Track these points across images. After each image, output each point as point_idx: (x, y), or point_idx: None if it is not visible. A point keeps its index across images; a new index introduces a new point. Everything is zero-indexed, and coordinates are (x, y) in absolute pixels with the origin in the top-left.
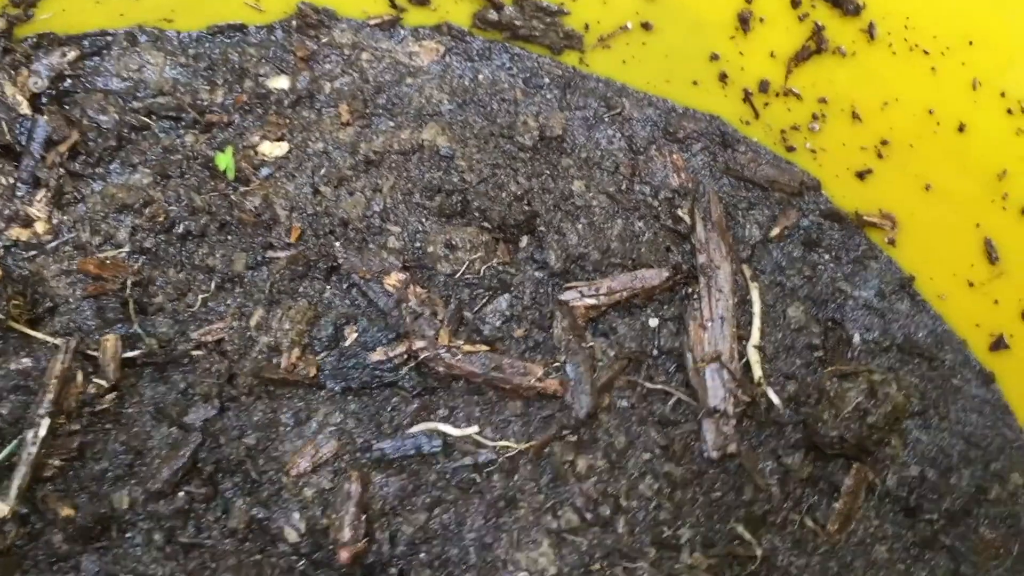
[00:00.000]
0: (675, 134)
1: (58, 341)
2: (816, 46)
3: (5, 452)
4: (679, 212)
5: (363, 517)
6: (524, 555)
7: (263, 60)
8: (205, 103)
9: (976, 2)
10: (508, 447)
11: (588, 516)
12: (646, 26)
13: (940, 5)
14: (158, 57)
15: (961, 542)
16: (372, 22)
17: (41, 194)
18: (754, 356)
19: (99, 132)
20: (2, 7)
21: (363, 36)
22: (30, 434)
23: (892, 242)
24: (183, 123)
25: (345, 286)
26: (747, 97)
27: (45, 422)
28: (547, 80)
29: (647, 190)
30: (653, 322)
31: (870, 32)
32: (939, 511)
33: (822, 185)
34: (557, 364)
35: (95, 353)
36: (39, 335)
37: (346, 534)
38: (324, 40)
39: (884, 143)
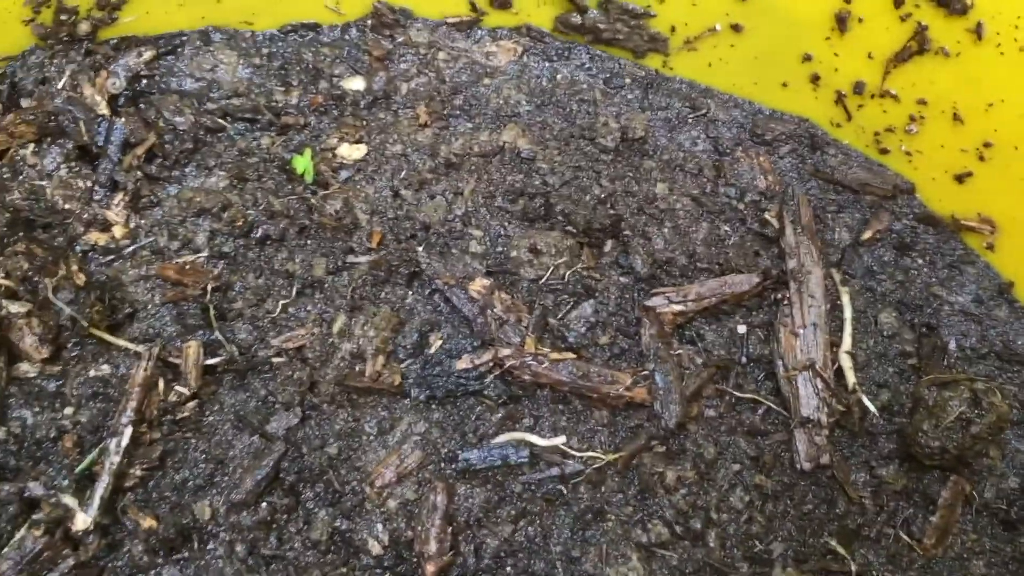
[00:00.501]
0: (762, 136)
1: (140, 348)
2: (918, 46)
3: (87, 461)
4: (767, 215)
5: (448, 529)
6: (613, 570)
7: (338, 60)
8: (280, 104)
9: None
10: (595, 458)
11: (678, 529)
12: (736, 27)
13: None
14: (231, 56)
15: None
16: (450, 21)
17: (119, 197)
18: (847, 363)
19: (175, 134)
20: (87, 10)
21: (439, 35)
22: (112, 443)
23: (991, 247)
24: (259, 125)
25: (428, 292)
26: (840, 99)
27: (128, 431)
28: (628, 80)
29: (733, 192)
30: (742, 329)
31: (978, 32)
32: None
33: (916, 188)
34: (645, 372)
35: (176, 360)
36: (119, 341)
37: (431, 547)
38: (400, 39)
39: (987, 145)
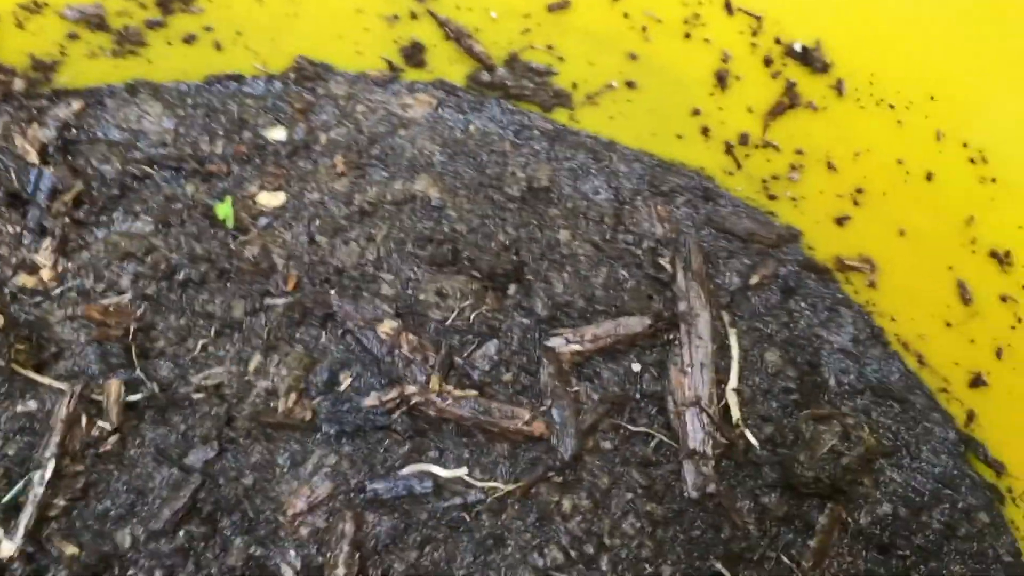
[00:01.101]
0: (660, 187)
1: (63, 385)
2: (790, 101)
3: (12, 493)
4: (661, 261)
5: (357, 555)
6: None
7: (261, 111)
8: (205, 153)
9: (935, 60)
10: (496, 488)
11: (573, 554)
12: (631, 84)
13: (902, 63)
14: (157, 107)
15: None
16: (369, 74)
17: (47, 242)
18: (732, 399)
19: (102, 181)
20: (23, 70)
21: (358, 88)
22: (36, 475)
23: (873, 284)
24: (183, 172)
25: (340, 332)
26: (729, 149)
27: (51, 464)
28: (536, 133)
29: (631, 239)
30: (636, 367)
31: (839, 88)
32: (911, 548)
33: (802, 234)
34: (544, 408)
35: (99, 397)
36: (44, 380)
37: (341, 571)
38: (320, 92)
39: (859, 191)
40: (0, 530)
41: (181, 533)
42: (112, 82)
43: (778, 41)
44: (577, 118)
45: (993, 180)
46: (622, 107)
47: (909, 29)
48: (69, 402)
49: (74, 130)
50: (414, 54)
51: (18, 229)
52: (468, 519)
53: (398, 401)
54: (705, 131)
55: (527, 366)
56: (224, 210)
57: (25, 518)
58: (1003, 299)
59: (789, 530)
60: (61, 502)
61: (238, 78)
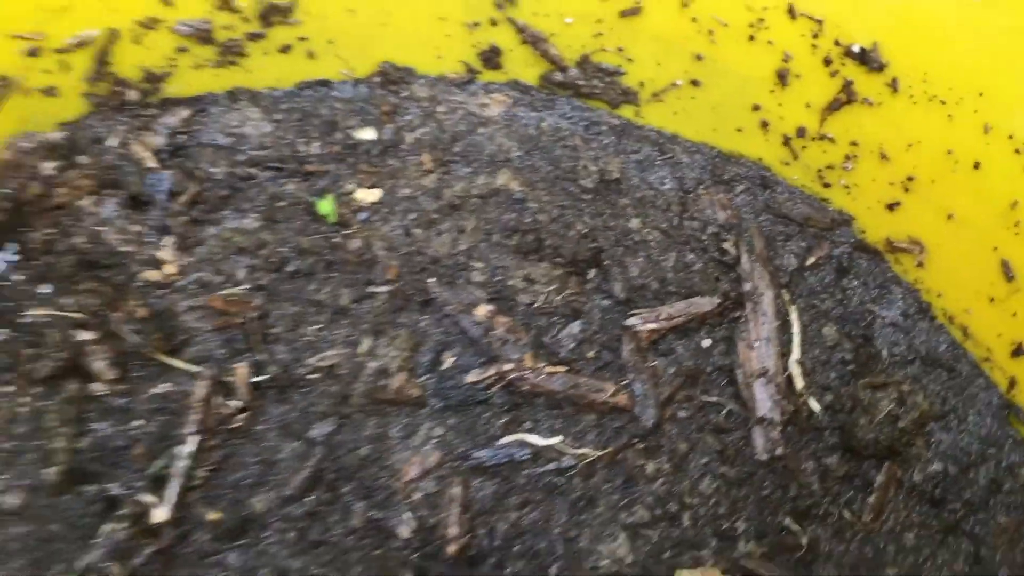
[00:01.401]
0: (720, 176)
1: (198, 368)
2: (847, 98)
3: (158, 466)
4: (725, 245)
5: (465, 516)
6: (604, 546)
7: (350, 113)
8: (302, 154)
9: (984, 58)
10: (586, 454)
11: (657, 512)
12: (695, 83)
13: (953, 62)
14: (255, 113)
15: (980, 528)
16: (448, 77)
17: (168, 240)
18: (795, 370)
19: (213, 182)
20: (136, 82)
21: (438, 90)
22: (180, 450)
23: (921, 264)
24: (284, 172)
25: (439, 317)
26: (786, 142)
27: (194, 439)
28: (605, 128)
29: (696, 225)
30: (706, 343)
31: (893, 85)
32: (960, 501)
33: (855, 218)
34: (625, 382)
35: (227, 379)
36: (180, 364)
37: (453, 531)
38: (404, 94)
39: (910, 179)
40: (153, 499)
41: (308, 499)
42: (214, 90)
43: (837, 43)
44: (642, 114)
45: None
46: (686, 104)
47: (960, 31)
48: (204, 384)
49: (183, 136)
50: (491, 57)
51: (142, 228)
52: (562, 483)
53: (496, 378)
54: (764, 125)
55: (608, 344)
56: (326, 207)
57: (173, 488)
58: None
59: (849, 488)
60: (202, 473)
61: (327, 83)
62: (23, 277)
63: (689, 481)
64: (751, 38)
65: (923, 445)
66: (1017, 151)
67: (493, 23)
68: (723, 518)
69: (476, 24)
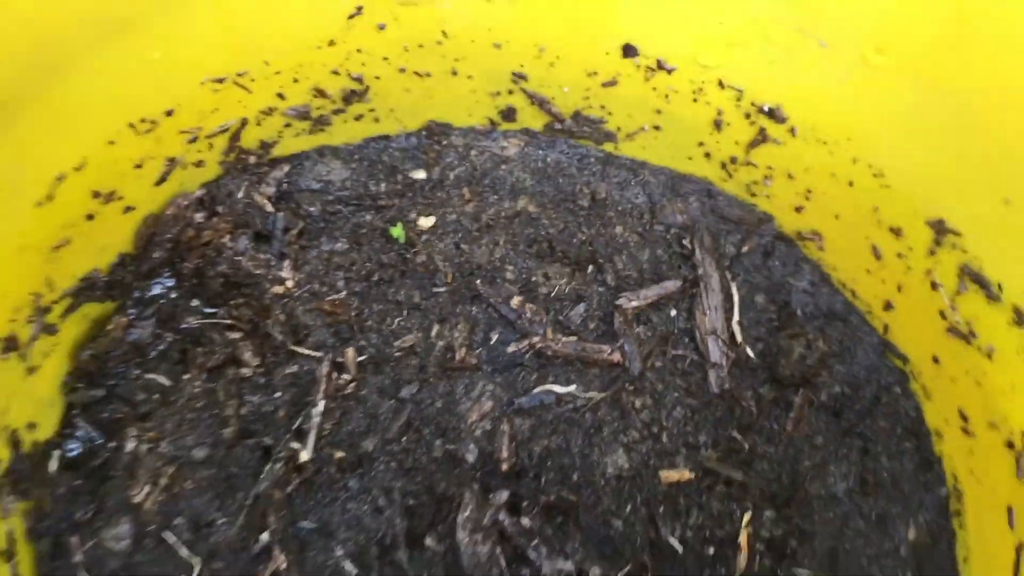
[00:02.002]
0: (678, 191)
1: (319, 354)
2: (762, 138)
3: (299, 422)
4: (684, 242)
5: (512, 444)
6: (609, 459)
7: (405, 159)
8: (374, 192)
9: (851, 114)
10: (592, 396)
11: (644, 433)
12: (657, 127)
13: (830, 117)
14: (336, 164)
15: (867, 430)
16: (476, 128)
17: (286, 263)
18: (736, 329)
19: (312, 218)
20: (254, 149)
21: (470, 138)
22: (312, 410)
23: (822, 248)
24: (362, 207)
25: (484, 307)
26: (724, 166)
27: (321, 403)
28: (593, 160)
29: (662, 228)
30: (673, 313)
31: (792, 132)
32: (853, 412)
33: (774, 217)
34: (618, 344)
35: (340, 360)
36: (305, 351)
37: (504, 454)
38: (444, 143)
39: (809, 192)
40: (299, 445)
41: (402, 440)
42: (306, 149)
43: (753, 104)
44: (620, 149)
45: (887, 186)
46: (651, 141)
47: (835, 97)
48: (327, 364)
49: (287, 185)
50: (508, 114)
51: (267, 256)
52: (577, 417)
53: (527, 347)
54: (707, 155)
55: (604, 318)
56: (397, 231)
57: (311, 437)
58: (899, 255)
59: (776, 408)
60: (328, 426)
61: (387, 137)
62: (177, 295)
63: (665, 410)
64: (695, 99)
65: (827, 375)
66: (875, 175)
67: (510, 92)
68: (689, 435)
69: (497, 93)
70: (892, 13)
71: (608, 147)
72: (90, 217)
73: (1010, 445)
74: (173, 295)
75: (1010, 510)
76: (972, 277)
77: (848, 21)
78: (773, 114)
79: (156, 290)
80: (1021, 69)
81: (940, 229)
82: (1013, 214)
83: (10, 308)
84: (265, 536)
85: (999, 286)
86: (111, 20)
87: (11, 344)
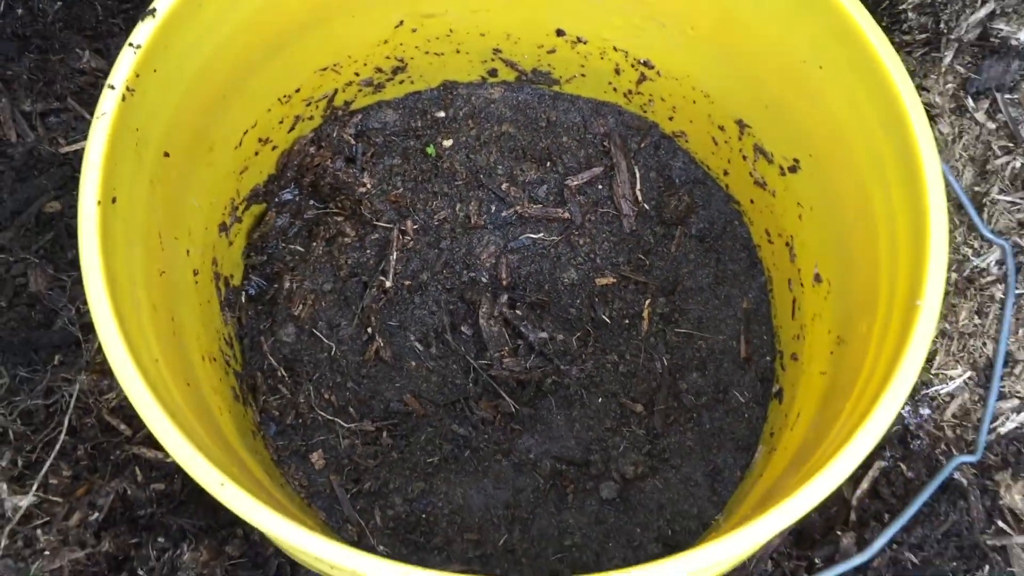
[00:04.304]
0: (599, 112)
1: (391, 226)
2: (643, 78)
3: (382, 266)
4: (604, 143)
5: (508, 270)
6: (565, 274)
7: (431, 105)
8: (414, 127)
9: (686, 64)
10: (554, 239)
11: (585, 259)
12: (583, 75)
13: (676, 66)
14: (389, 111)
15: (719, 247)
16: (473, 83)
17: (365, 174)
18: (639, 194)
19: (378, 146)
20: (341, 105)
21: (470, 89)
22: (391, 258)
23: (687, 141)
24: (408, 136)
25: (487, 191)
26: (625, 95)
27: (395, 253)
28: (546, 97)
29: (591, 136)
30: (600, 187)
31: (658, 73)
32: (710, 238)
33: (658, 124)
34: (567, 207)
35: (402, 228)
36: (382, 224)
37: (504, 276)
38: (455, 93)
39: (674, 108)
40: (383, 278)
41: (444, 271)
42: (371, 104)
43: (635, 58)
44: (563, 89)
45: (712, 102)
46: (580, 83)
47: (676, 53)
48: (396, 231)
49: (360, 127)
50: (493, 73)
51: (353, 171)
52: (545, 252)
53: (514, 213)
54: (615, 89)
55: (559, 193)
56: (431, 150)
57: (390, 273)
58: (725, 142)
59: (665, 239)
60: (399, 267)
61: (419, 92)
62: (301, 198)
63: (597, 244)
64: (602, 58)
65: (694, 217)
66: (704, 96)
67: (492, 60)
68: (612, 257)
69: (485, 61)
70: (692, 9)
71: (555, 88)
72: (256, 154)
73: (787, 245)
74: (298, 198)
75: (789, 281)
76: (759, 150)
77: (673, 13)
78: (647, 64)
79: (288, 196)
80: (756, 34)
81: (741, 124)
82: (770, 113)
83: (222, 206)
84: (369, 330)
85: (772, 154)
86: (269, 46)
87: (222, 227)
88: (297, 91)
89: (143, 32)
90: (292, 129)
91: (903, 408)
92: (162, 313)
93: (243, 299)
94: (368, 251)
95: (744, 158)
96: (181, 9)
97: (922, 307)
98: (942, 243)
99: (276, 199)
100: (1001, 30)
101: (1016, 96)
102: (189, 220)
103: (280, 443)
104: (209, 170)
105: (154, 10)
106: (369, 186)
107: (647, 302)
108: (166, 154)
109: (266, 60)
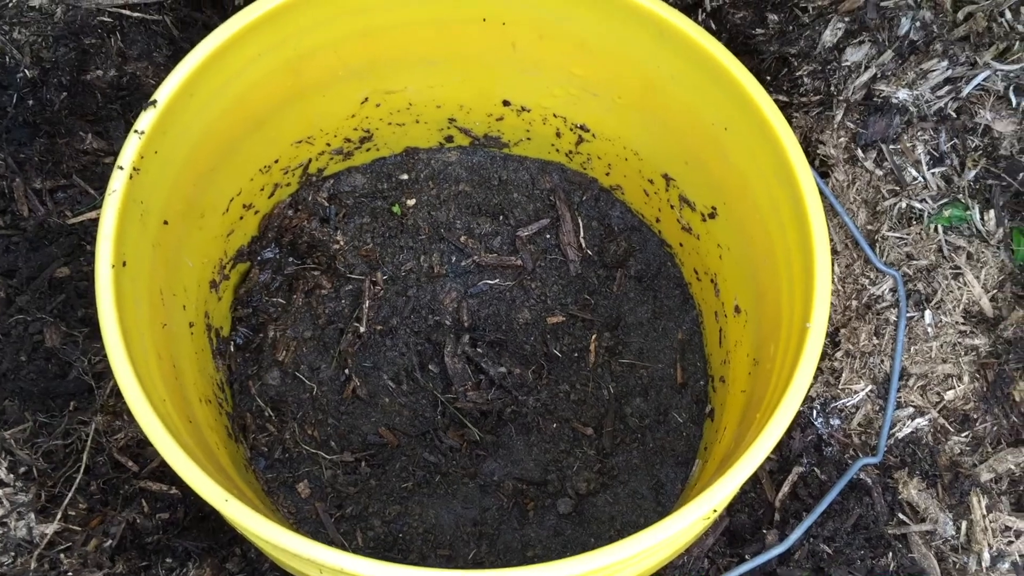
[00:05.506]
0: (545, 170)
1: (363, 277)
2: (580, 140)
3: (356, 314)
4: (550, 198)
5: (469, 313)
6: (520, 315)
7: (395, 168)
8: (380, 189)
9: (617, 127)
10: (509, 284)
11: (537, 300)
12: (529, 139)
13: (609, 129)
14: (358, 175)
15: (655, 286)
16: (432, 148)
17: (338, 232)
18: (582, 241)
19: (348, 207)
20: (315, 172)
21: (429, 154)
22: (363, 306)
23: (623, 193)
24: (376, 198)
25: (447, 244)
26: (567, 155)
27: (367, 302)
28: (497, 158)
29: (538, 191)
30: (548, 236)
31: (594, 136)
32: (647, 278)
33: (597, 180)
34: (520, 256)
35: (373, 279)
36: (354, 276)
37: (465, 318)
38: (416, 158)
39: (610, 164)
40: (358, 324)
41: (411, 316)
42: (342, 170)
43: (573, 123)
44: (511, 151)
45: (641, 159)
46: (527, 146)
47: (607, 118)
48: (367, 282)
49: (333, 190)
50: (449, 139)
51: (328, 229)
52: (502, 296)
53: (472, 263)
54: (558, 150)
55: (511, 243)
56: (396, 209)
57: (364, 320)
58: (656, 193)
59: (608, 280)
60: (371, 314)
61: (384, 158)
62: (281, 256)
63: (547, 288)
64: (544, 123)
65: (632, 260)
66: (634, 154)
67: (448, 127)
68: (561, 298)
69: (441, 129)
70: (619, 81)
71: (505, 151)
72: (241, 218)
73: (712, 282)
74: (279, 256)
75: (716, 313)
76: (684, 200)
77: (603, 85)
78: (583, 128)
79: (269, 254)
80: (674, 101)
81: (667, 178)
82: (690, 168)
83: (212, 266)
84: (346, 371)
85: (694, 203)
86: (251, 124)
87: (213, 284)
88: (276, 162)
89: (146, 120)
90: (272, 195)
91: (817, 419)
92: (166, 360)
93: (232, 348)
94: (343, 301)
95: (672, 207)
96: (177, 98)
97: (811, 328)
98: (825, 275)
99: (259, 257)
100: (883, 90)
101: (898, 146)
102: (185, 278)
103: (270, 476)
104: (201, 234)
105: (155, 101)
106: (342, 243)
107: (593, 337)
108: (165, 222)
109: (249, 136)
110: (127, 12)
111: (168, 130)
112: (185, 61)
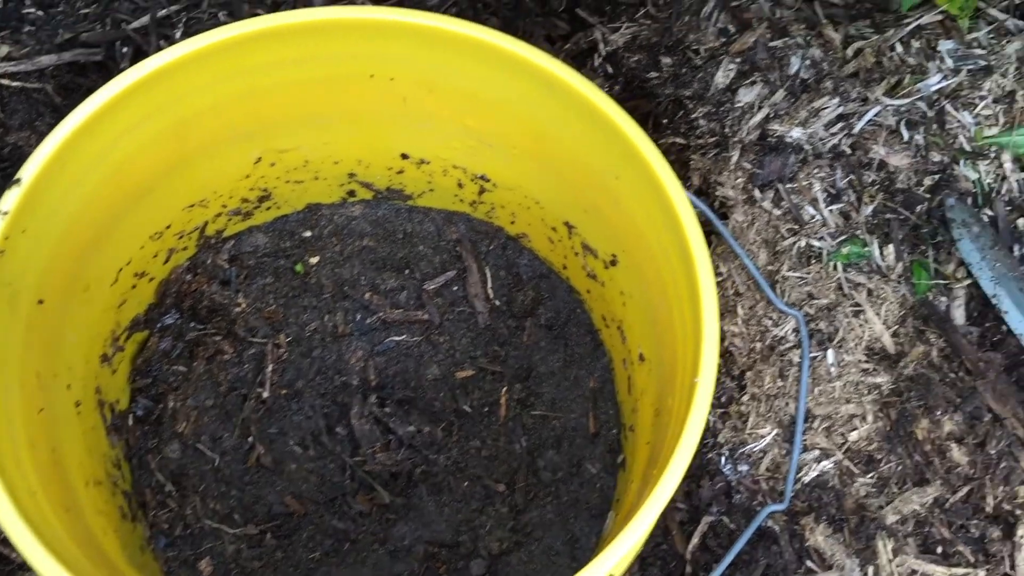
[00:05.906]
0: (451, 221)
1: (265, 340)
2: (482, 190)
3: (259, 378)
4: (456, 248)
5: (376, 371)
6: (429, 371)
7: (298, 226)
8: (283, 247)
9: (516, 176)
10: (416, 340)
11: (446, 355)
12: (431, 190)
13: (508, 178)
14: (259, 235)
15: (565, 334)
16: (335, 203)
17: (239, 294)
18: (490, 291)
19: (250, 268)
20: (213, 234)
21: (332, 209)
22: (266, 371)
23: (529, 241)
24: (278, 257)
25: (351, 301)
26: (471, 205)
27: (271, 366)
28: (402, 211)
29: (444, 243)
30: (455, 288)
31: (495, 185)
32: (557, 326)
33: (503, 228)
34: (427, 310)
35: (276, 342)
36: (257, 340)
37: (372, 377)
38: (319, 214)
39: (514, 213)
40: (261, 389)
41: (317, 378)
42: (241, 230)
43: (474, 173)
44: (416, 203)
45: (543, 208)
46: (430, 197)
47: (506, 168)
48: (270, 345)
49: (233, 252)
50: (352, 193)
51: (228, 292)
52: (409, 352)
53: (378, 320)
54: (461, 200)
55: (418, 297)
56: (299, 267)
57: (267, 385)
58: (549, 240)
59: (518, 331)
60: (275, 378)
61: (286, 216)
62: (182, 321)
63: (456, 340)
64: (444, 174)
65: (542, 308)
66: (536, 203)
67: (349, 182)
68: (470, 351)
69: (342, 184)
70: (512, 133)
71: (409, 203)
72: (134, 287)
73: (619, 329)
74: (179, 321)
75: (624, 360)
76: (586, 247)
77: (497, 136)
78: (484, 178)
79: (169, 321)
80: (565, 150)
81: (569, 226)
82: (589, 216)
83: (102, 339)
84: (250, 439)
85: (596, 250)
86: (134, 193)
87: (104, 358)
88: (168, 227)
89: (10, 199)
90: (168, 260)
91: (725, 466)
92: (41, 447)
93: (131, 421)
94: (246, 365)
95: (576, 254)
96: (45, 174)
97: (699, 383)
98: (713, 330)
99: (158, 324)
100: (776, 130)
101: (795, 185)
102: (69, 356)
103: (170, 554)
104: (85, 308)
105: (19, 179)
106: (244, 305)
107: (504, 389)
108: (40, 301)
109: (133, 204)
110: (6, 82)
111: (37, 207)
112: (52, 135)
